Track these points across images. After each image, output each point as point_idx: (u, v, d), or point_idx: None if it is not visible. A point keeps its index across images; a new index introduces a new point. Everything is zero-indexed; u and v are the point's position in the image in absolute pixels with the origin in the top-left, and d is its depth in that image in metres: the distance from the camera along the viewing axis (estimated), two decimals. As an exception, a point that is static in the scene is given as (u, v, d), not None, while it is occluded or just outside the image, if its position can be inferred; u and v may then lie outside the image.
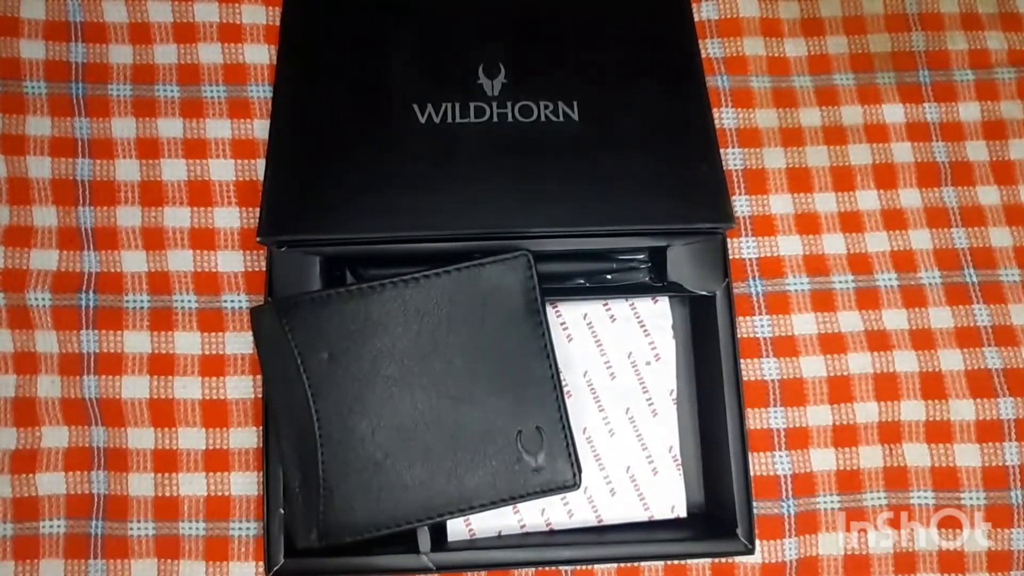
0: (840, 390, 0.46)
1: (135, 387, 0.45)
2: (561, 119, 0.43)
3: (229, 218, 0.47)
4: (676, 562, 0.44)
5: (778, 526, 0.45)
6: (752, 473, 0.43)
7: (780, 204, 0.49)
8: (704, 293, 0.43)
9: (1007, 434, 0.46)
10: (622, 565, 0.44)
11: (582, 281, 0.45)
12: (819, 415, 0.46)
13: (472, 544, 0.42)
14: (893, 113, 0.50)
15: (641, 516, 0.43)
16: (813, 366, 0.46)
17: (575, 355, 0.44)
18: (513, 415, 0.39)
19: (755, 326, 0.47)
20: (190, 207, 0.47)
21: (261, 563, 0.43)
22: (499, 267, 0.40)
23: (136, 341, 0.45)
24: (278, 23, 0.49)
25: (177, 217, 0.47)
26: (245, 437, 0.44)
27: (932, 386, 0.46)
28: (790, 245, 0.48)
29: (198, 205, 0.47)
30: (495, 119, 0.43)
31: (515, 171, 0.42)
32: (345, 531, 0.38)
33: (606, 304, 0.45)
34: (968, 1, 0.52)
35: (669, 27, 0.47)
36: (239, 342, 0.45)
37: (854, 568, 0.45)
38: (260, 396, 0.44)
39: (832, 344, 0.47)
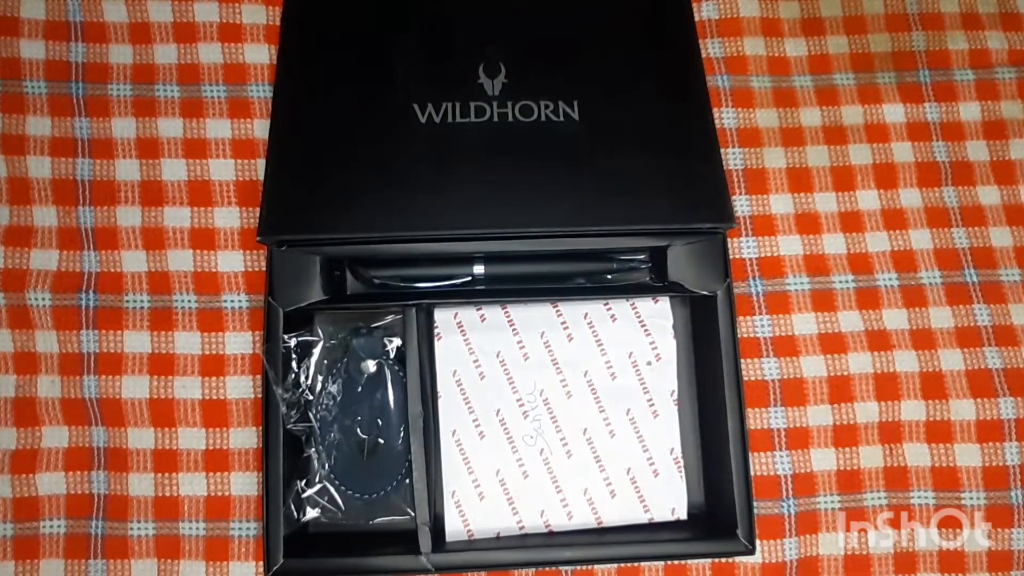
0: (840, 390, 0.46)
1: (135, 387, 0.45)
2: (561, 119, 0.43)
3: (229, 218, 0.47)
4: (676, 562, 0.44)
5: (778, 526, 0.45)
6: (752, 473, 0.43)
7: (780, 204, 0.49)
8: (705, 293, 0.43)
9: (1007, 434, 0.46)
10: (622, 565, 0.44)
11: (582, 281, 0.45)
12: (819, 415, 0.46)
13: (471, 545, 0.42)
14: (893, 113, 0.50)
15: (641, 518, 0.43)
16: (813, 366, 0.46)
17: (576, 355, 0.44)
18: None
19: (755, 326, 0.47)
20: (190, 207, 0.47)
21: (261, 563, 0.43)
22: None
23: (136, 341, 0.45)
24: (278, 23, 0.49)
25: (177, 217, 0.47)
26: (245, 437, 0.44)
27: (932, 386, 0.46)
28: (790, 245, 0.48)
29: (198, 205, 0.47)
30: (495, 119, 0.43)
31: (515, 171, 0.42)
32: None
33: (607, 304, 0.45)
34: (968, 1, 0.52)
35: (669, 27, 0.47)
36: (239, 342, 0.45)
37: (854, 568, 0.45)
38: (260, 396, 0.44)
39: (832, 344, 0.47)
